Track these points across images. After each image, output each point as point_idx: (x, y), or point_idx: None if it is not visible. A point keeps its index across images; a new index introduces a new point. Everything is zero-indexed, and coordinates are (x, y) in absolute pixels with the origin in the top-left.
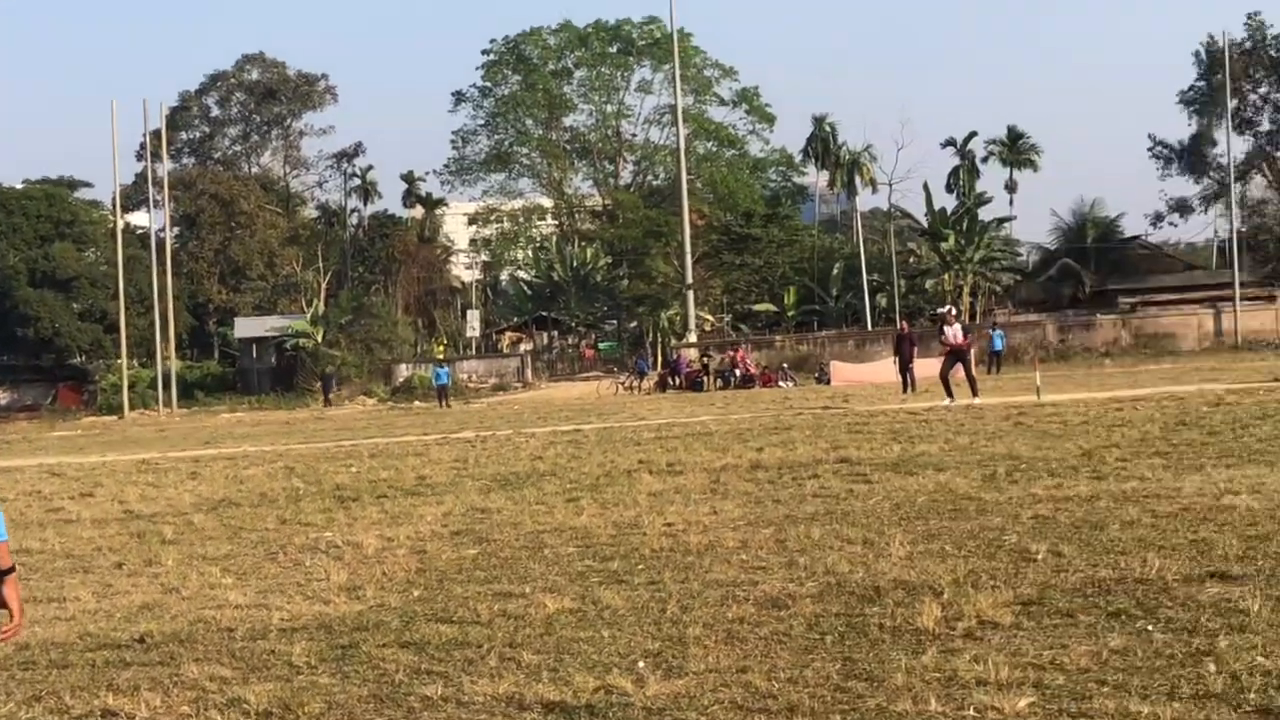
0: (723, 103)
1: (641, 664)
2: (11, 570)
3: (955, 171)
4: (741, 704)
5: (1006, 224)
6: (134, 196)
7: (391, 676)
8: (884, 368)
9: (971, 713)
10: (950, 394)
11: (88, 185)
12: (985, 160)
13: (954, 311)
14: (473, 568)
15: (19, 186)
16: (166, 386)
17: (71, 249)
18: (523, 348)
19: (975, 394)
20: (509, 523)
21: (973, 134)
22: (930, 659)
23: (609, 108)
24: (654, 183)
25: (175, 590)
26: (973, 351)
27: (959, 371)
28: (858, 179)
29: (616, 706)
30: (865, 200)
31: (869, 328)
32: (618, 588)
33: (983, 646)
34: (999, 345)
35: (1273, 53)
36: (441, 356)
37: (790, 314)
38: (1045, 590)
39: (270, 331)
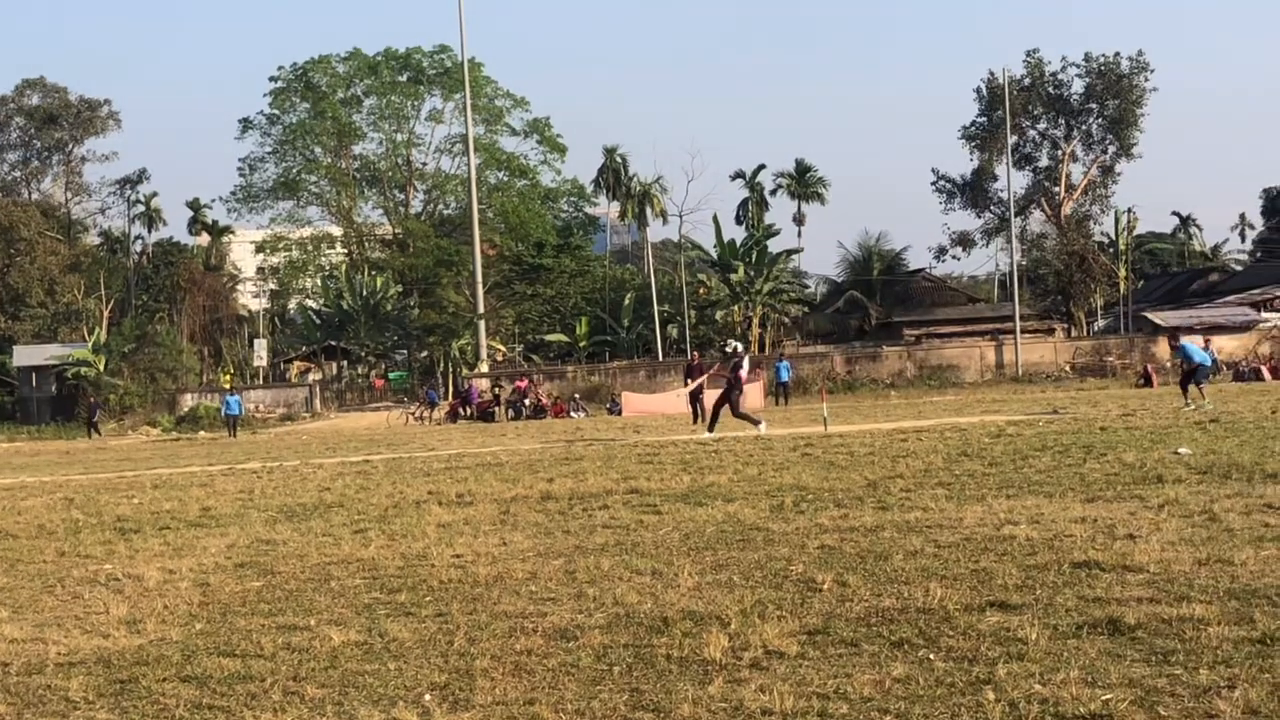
0: (514, 133)
1: (428, 696)
2: None
3: (744, 203)
4: None
5: (795, 256)
6: None
7: (172, 711)
8: (673, 399)
9: None
10: (712, 426)
11: None
12: (774, 193)
13: (740, 348)
14: (257, 600)
15: None
16: None
17: None
18: (311, 377)
19: (711, 429)
20: (295, 554)
21: (761, 166)
22: (717, 689)
23: (399, 136)
24: (445, 212)
25: None
26: (751, 386)
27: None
28: (649, 210)
29: None
30: (656, 231)
31: (660, 358)
32: (405, 620)
33: (769, 676)
34: (784, 376)
35: (1051, 90)
36: (228, 386)
37: (582, 344)
38: (830, 620)
39: (50, 360)
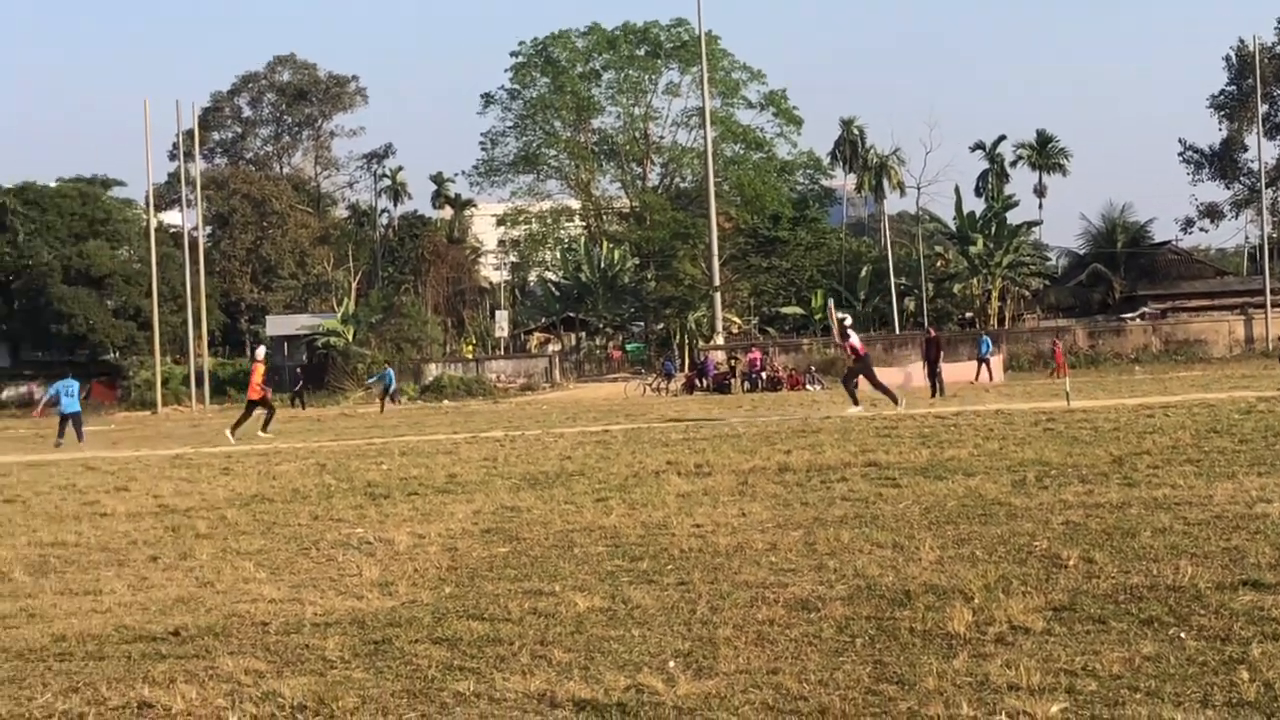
0: (750, 105)
1: (672, 663)
2: None
3: (984, 175)
4: (773, 705)
5: (1035, 228)
6: (167, 195)
7: (424, 672)
8: (912, 371)
9: (1003, 717)
10: (856, 400)
11: (121, 184)
12: (1014, 164)
13: (848, 320)
14: (503, 565)
15: (53, 185)
16: (199, 383)
17: (105, 247)
18: (550, 348)
19: (856, 402)
20: (539, 521)
21: (1001, 138)
22: (962, 663)
23: (637, 110)
24: (681, 185)
25: (210, 584)
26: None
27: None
28: (886, 182)
29: (648, 705)
30: (893, 203)
31: (896, 331)
32: (647, 587)
33: (1014, 651)
34: (985, 351)
35: None
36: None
37: (817, 317)
38: (1077, 596)
39: (301, 330)
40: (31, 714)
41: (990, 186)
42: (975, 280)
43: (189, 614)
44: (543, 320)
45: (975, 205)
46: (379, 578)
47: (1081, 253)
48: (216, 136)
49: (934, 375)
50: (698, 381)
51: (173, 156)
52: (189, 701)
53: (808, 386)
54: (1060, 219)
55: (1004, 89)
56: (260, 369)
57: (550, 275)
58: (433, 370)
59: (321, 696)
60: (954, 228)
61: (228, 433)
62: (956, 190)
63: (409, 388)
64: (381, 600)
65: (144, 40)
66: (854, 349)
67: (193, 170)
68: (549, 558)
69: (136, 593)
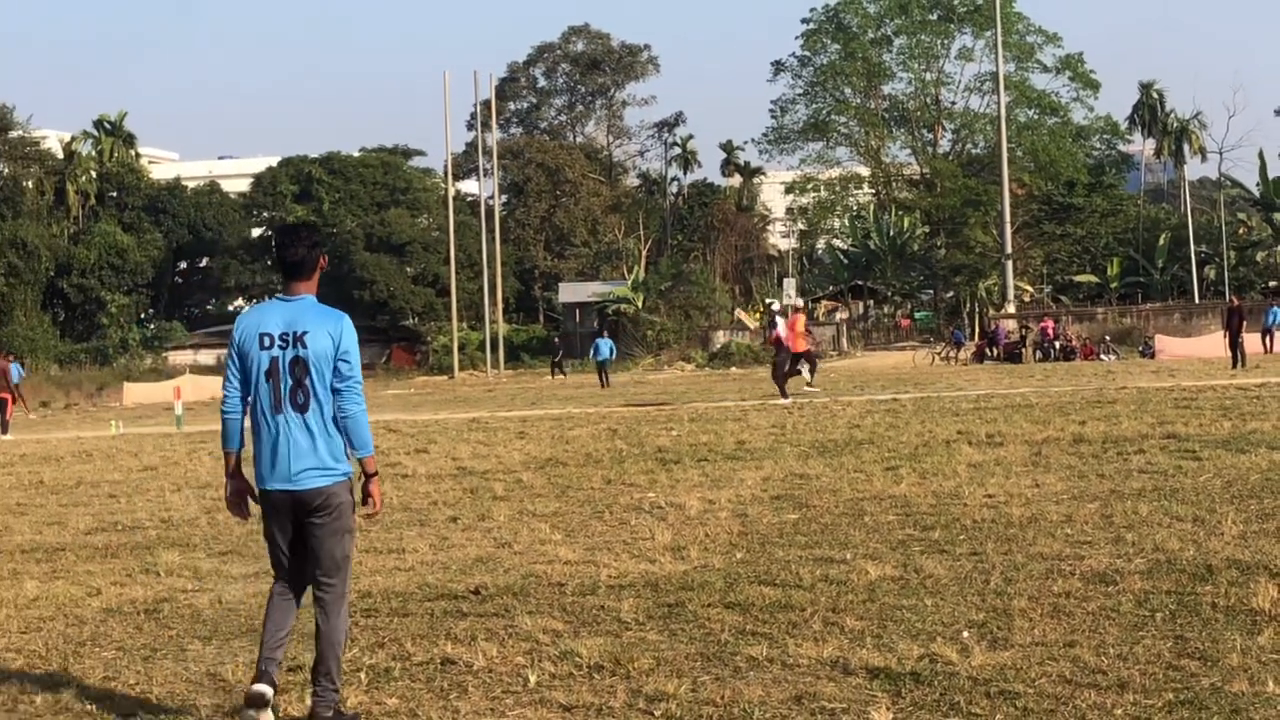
0: (1045, 69)
1: (966, 634)
2: (376, 474)
3: None
4: (1070, 678)
5: None
6: (464, 165)
7: (717, 636)
8: (1212, 342)
9: None
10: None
11: (421, 154)
12: None
13: (776, 306)
14: (793, 532)
15: (356, 155)
16: (494, 348)
17: (405, 215)
18: (838, 316)
19: (784, 395)
20: (828, 489)
21: None
22: (1267, 640)
23: (928, 76)
24: (973, 151)
25: (507, 545)
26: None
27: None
28: (1186, 147)
29: (942, 675)
30: (1193, 169)
31: (1196, 301)
32: (939, 557)
33: None
34: (1270, 321)
35: None
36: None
37: (1113, 285)
38: None
39: (593, 297)
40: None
41: None
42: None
43: (488, 573)
44: (830, 288)
45: None
46: (671, 542)
47: None
48: (512, 107)
49: (1235, 346)
50: (988, 350)
51: (470, 127)
52: (490, 658)
53: (1102, 356)
54: None
55: None
56: (802, 319)
57: (838, 243)
58: (720, 337)
59: (617, 657)
60: (1258, 194)
61: (807, 383)
62: (1261, 155)
63: (697, 354)
64: (674, 564)
65: (444, 13)
66: (777, 338)
67: (489, 140)
68: (839, 525)
69: (438, 552)
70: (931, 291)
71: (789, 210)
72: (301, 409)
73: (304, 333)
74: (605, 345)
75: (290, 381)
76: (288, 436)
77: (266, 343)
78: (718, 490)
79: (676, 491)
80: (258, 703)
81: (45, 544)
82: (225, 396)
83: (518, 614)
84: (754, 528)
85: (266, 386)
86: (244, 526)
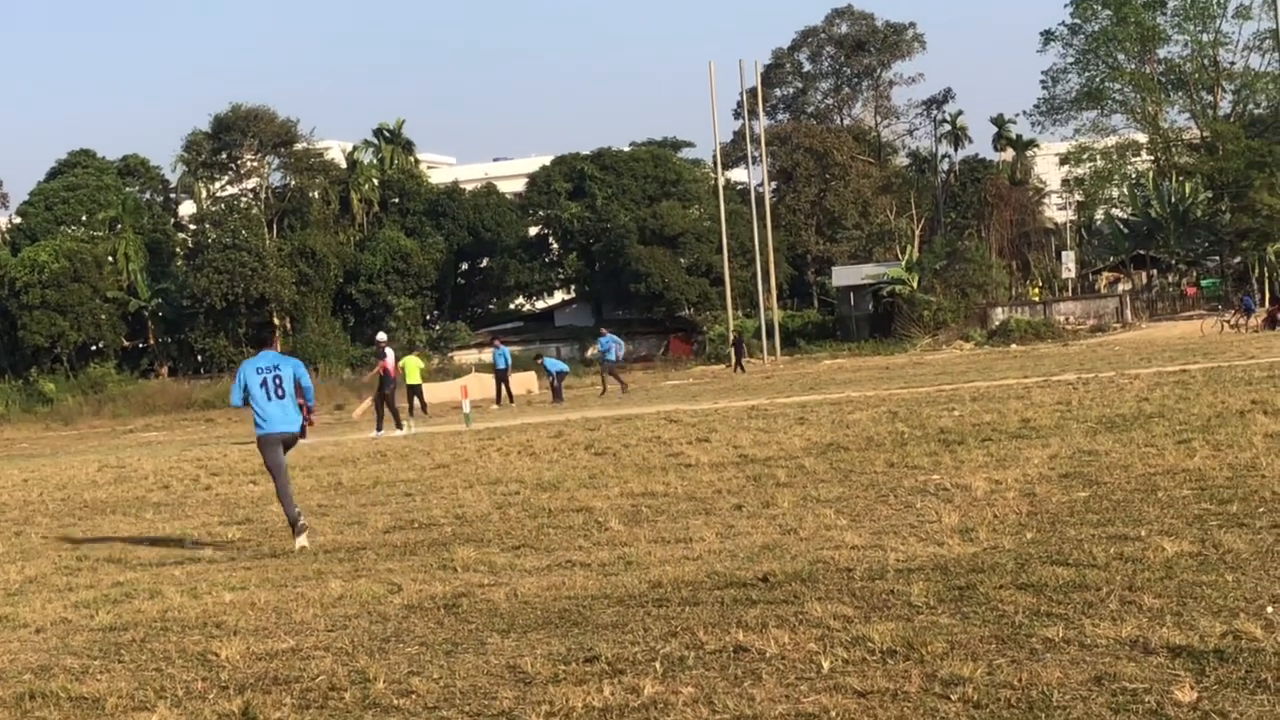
0: None
1: (1270, 609)
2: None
3: None
4: None
5: None
6: (733, 153)
7: (1011, 618)
8: None
9: None
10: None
11: (689, 145)
12: None
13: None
14: (1084, 510)
15: (626, 149)
16: (770, 335)
17: (677, 206)
18: (1120, 287)
19: (399, 425)
20: (1118, 465)
21: None
22: None
23: (1204, 36)
24: (1256, 111)
25: (793, 531)
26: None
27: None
28: None
29: (1246, 652)
30: None
31: None
32: (1238, 531)
33: None
34: None
35: None
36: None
37: None
38: None
39: (866, 279)
40: (634, 657)
41: None
42: None
43: (775, 560)
44: (1111, 259)
45: None
46: (958, 524)
47: None
48: (778, 93)
49: None
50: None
51: (737, 115)
52: (782, 645)
53: None
54: None
55: None
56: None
57: (1117, 212)
58: (999, 314)
59: (910, 641)
60: None
61: None
62: None
63: (975, 333)
64: (963, 546)
65: (707, 4)
66: (385, 368)
67: (757, 128)
68: (1131, 501)
69: (724, 540)
70: (1217, 258)
71: (1065, 182)
72: (280, 398)
73: (276, 365)
74: (610, 342)
75: (273, 386)
76: (279, 407)
77: (261, 371)
78: (1004, 470)
79: (961, 472)
80: None
81: (346, 543)
82: (233, 393)
83: (807, 600)
84: (1043, 507)
85: (261, 391)
86: (535, 521)
